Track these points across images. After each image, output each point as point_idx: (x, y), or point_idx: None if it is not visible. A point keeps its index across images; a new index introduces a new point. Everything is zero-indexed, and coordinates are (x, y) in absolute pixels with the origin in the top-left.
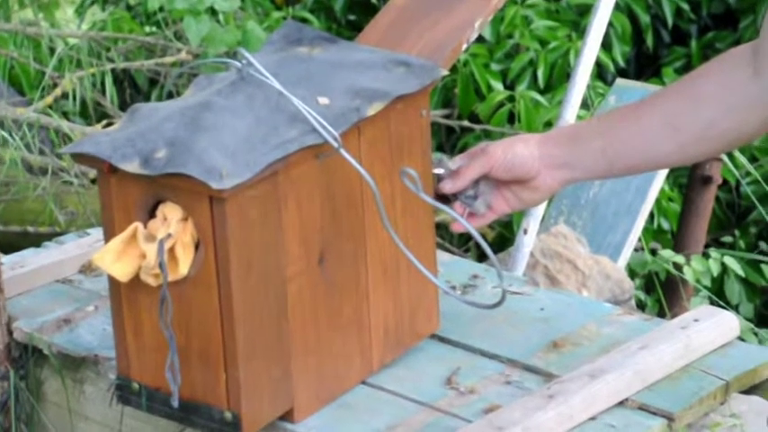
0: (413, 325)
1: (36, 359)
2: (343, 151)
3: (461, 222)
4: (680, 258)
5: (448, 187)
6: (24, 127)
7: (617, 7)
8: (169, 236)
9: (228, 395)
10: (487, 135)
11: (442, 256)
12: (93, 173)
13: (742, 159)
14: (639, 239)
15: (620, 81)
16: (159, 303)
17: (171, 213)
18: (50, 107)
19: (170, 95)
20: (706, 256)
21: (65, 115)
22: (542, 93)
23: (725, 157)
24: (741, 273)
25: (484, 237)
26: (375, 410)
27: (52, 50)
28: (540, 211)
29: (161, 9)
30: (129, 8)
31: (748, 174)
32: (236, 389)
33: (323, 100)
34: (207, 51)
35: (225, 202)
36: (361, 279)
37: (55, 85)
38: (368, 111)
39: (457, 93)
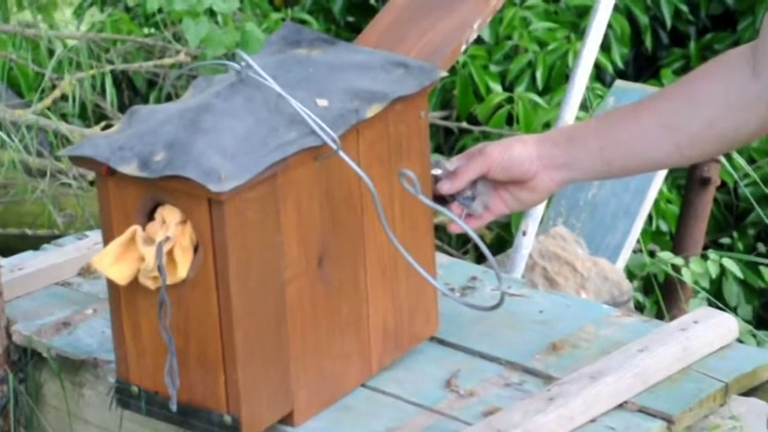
0: (412, 327)
1: (35, 362)
2: (341, 153)
3: (459, 224)
4: (678, 260)
5: (445, 188)
6: (23, 129)
7: (616, 9)
8: (168, 239)
9: (228, 398)
10: (486, 136)
11: (441, 257)
12: (91, 175)
13: (740, 161)
14: (638, 241)
15: (618, 82)
16: (158, 306)
17: (169, 216)
18: (49, 109)
19: (168, 97)
20: (704, 257)
21: (63, 117)
22: (541, 94)
23: (723, 159)
24: (740, 274)
25: (482, 238)
26: (375, 413)
27: (51, 52)
28: (538, 212)
29: (160, 10)
30: (127, 9)
31: (746, 175)
32: (235, 392)
33: (322, 102)
34: (206, 53)
35: (223, 205)
36: (359, 281)
37: (54, 87)
38: (367, 112)
39: (455, 94)
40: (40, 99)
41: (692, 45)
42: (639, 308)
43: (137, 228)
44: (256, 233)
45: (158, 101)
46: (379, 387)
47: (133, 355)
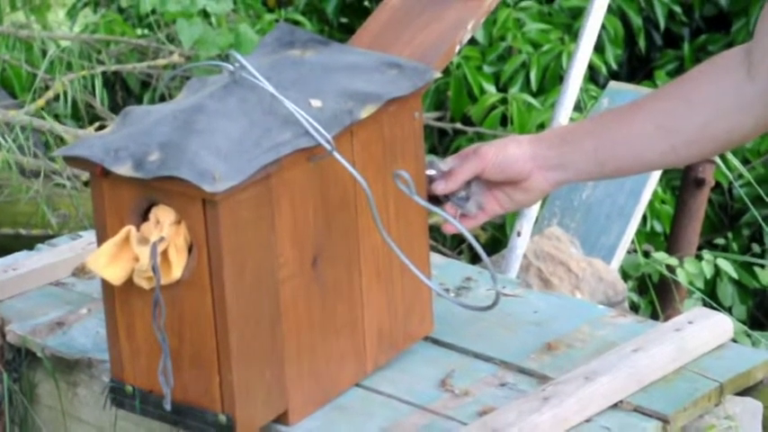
0: (406, 327)
1: (29, 362)
2: (336, 154)
3: (453, 224)
4: (673, 260)
5: (440, 188)
6: (17, 129)
7: (609, 10)
8: (162, 239)
9: (222, 398)
10: (480, 137)
11: (436, 258)
12: (85, 175)
13: (735, 162)
14: (632, 242)
15: (612, 84)
16: (152, 306)
17: (164, 216)
18: (42, 109)
19: (162, 98)
20: (699, 258)
21: (56, 118)
22: (535, 95)
23: (718, 160)
24: (734, 275)
25: (477, 239)
26: (369, 413)
27: (44, 53)
28: (533, 213)
29: (153, 11)
30: (120, 10)
31: (741, 176)
32: (229, 391)
33: (315, 102)
34: (199, 54)
35: (218, 205)
36: (354, 281)
37: (47, 88)
38: (361, 113)
39: (449, 95)
40: (34, 100)
41: (686, 46)
42: (634, 308)
43: (131, 228)
44: (251, 233)
45: (152, 102)
46: (374, 387)
47: (127, 354)
